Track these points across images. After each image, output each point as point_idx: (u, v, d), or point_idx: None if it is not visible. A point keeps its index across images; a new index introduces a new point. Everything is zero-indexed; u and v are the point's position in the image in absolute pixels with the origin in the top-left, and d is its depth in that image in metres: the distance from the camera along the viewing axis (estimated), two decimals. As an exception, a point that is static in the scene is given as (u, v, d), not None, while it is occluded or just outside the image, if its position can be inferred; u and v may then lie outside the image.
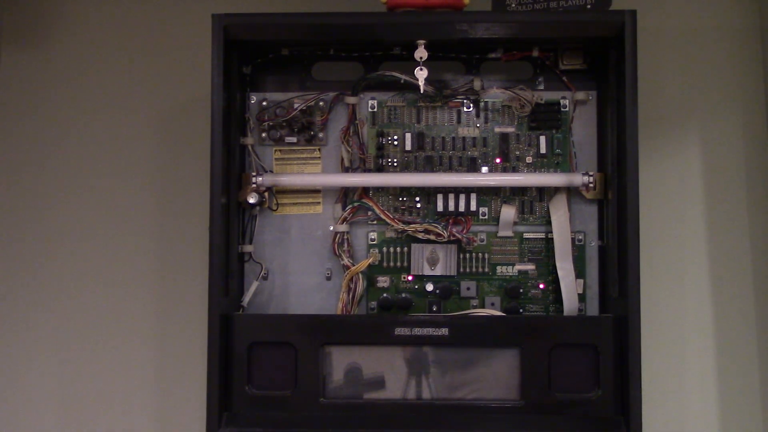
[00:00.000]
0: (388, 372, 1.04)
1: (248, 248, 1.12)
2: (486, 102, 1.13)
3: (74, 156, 1.25)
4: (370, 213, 1.12)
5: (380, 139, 1.13)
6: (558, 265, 1.10)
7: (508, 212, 1.11)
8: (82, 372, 1.23)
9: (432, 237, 1.10)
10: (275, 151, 1.14)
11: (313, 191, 1.13)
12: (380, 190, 1.13)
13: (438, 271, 1.12)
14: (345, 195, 1.13)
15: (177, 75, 1.25)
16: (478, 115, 1.13)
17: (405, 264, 1.12)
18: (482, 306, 1.12)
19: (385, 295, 1.12)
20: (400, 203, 1.13)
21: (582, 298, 1.11)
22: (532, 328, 1.04)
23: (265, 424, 1.03)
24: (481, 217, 1.12)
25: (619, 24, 1.01)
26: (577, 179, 1.09)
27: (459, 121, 1.13)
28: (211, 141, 1.03)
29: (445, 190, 1.12)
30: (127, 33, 1.26)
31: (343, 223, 1.12)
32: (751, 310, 1.21)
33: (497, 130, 1.13)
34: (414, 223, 1.11)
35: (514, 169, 1.12)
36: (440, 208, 1.12)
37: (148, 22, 1.26)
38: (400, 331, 1.03)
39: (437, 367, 1.04)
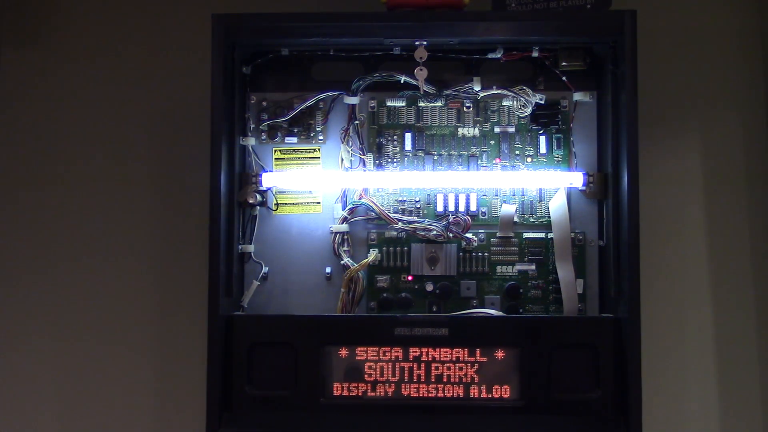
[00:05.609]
0: (387, 372, 1.04)
1: (248, 248, 1.12)
2: (486, 102, 1.13)
3: (74, 156, 1.25)
4: (370, 213, 1.12)
5: (380, 138, 1.13)
6: (558, 265, 1.10)
7: (508, 212, 1.11)
8: (82, 372, 1.23)
9: (432, 237, 1.10)
10: (275, 151, 1.14)
11: (313, 191, 1.13)
12: (380, 190, 1.13)
13: (438, 271, 1.12)
14: (345, 195, 1.13)
15: (177, 75, 1.25)
16: (478, 115, 1.13)
17: (405, 264, 1.12)
18: (482, 306, 1.12)
19: (385, 294, 1.12)
20: (400, 203, 1.13)
21: (582, 298, 1.11)
22: (532, 328, 1.04)
23: (265, 424, 1.03)
24: (481, 217, 1.12)
25: (619, 24, 1.01)
26: (577, 179, 1.09)
27: (459, 121, 1.13)
28: (211, 141, 1.03)
29: (445, 190, 1.12)
30: (127, 33, 1.26)
31: (343, 223, 1.12)
32: (751, 310, 1.21)
33: (497, 129, 1.13)
34: (414, 223, 1.11)
35: (514, 169, 1.12)
36: (440, 208, 1.12)
37: (148, 23, 1.26)
38: (400, 331, 1.03)
39: (437, 367, 1.04)
